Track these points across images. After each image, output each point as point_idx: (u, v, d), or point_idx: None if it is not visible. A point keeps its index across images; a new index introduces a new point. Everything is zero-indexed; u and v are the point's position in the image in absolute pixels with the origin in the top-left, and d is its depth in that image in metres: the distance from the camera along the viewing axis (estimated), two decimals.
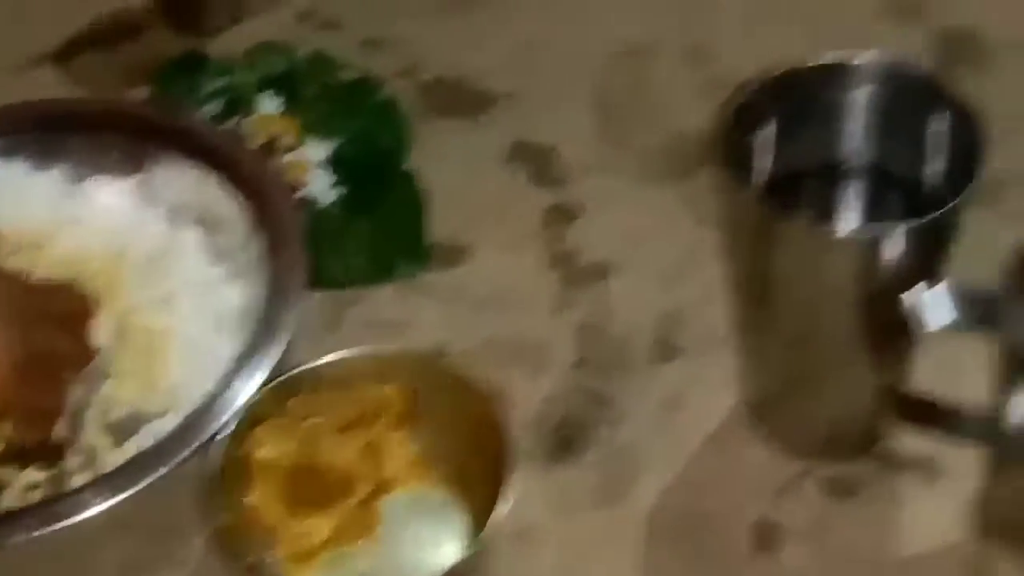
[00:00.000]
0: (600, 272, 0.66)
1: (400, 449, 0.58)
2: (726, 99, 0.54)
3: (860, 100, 0.56)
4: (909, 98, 0.55)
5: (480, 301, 0.66)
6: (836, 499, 0.58)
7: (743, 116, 0.54)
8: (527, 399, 0.62)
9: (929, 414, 0.55)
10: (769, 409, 0.60)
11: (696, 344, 0.63)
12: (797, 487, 0.59)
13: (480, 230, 0.68)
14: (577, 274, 0.67)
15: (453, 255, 0.68)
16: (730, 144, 0.53)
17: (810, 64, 0.55)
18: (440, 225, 0.68)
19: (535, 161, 0.71)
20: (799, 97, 0.55)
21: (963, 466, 0.58)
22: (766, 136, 0.55)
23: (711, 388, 0.61)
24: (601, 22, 0.77)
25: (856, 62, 0.56)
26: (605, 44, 0.76)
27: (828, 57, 0.56)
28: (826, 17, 0.75)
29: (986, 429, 0.53)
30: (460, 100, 0.74)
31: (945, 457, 0.58)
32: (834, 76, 0.55)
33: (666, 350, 0.63)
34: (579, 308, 0.65)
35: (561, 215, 0.69)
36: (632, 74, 0.75)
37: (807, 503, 0.58)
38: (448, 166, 0.71)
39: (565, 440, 0.61)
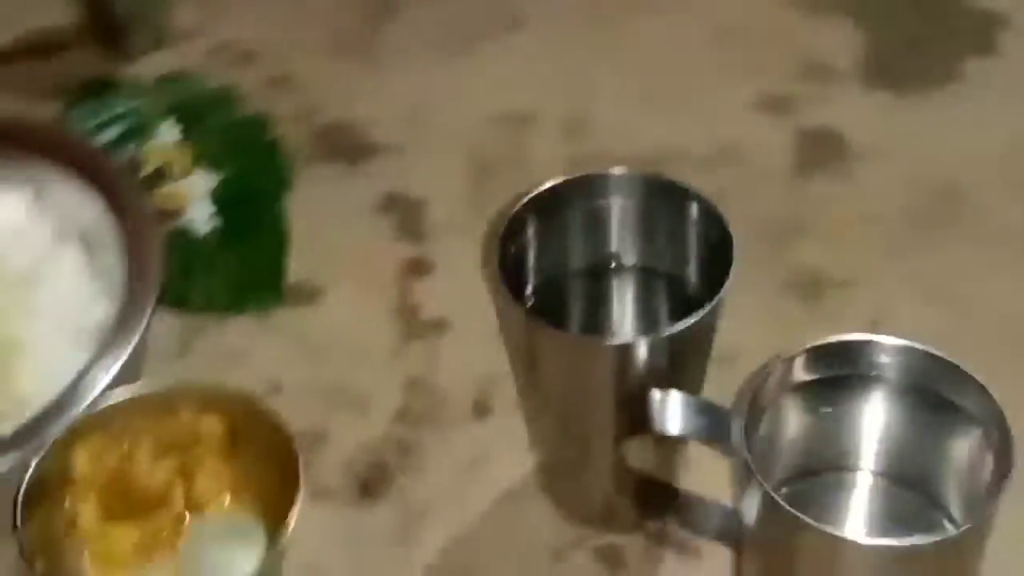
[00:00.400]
0: (437, 328, 0.71)
1: (213, 475, 0.63)
2: (503, 210, 0.59)
3: (625, 207, 0.61)
4: (669, 208, 0.60)
5: (321, 343, 0.71)
6: (605, 568, 0.63)
7: (516, 226, 0.59)
8: (343, 442, 0.67)
9: (672, 506, 0.60)
10: (553, 477, 0.64)
11: (507, 407, 0.67)
12: (572, 554, 0.63)
13: (336, 275, 0.73)
14: (416, 328, 0.71)
15: (306, 296, 0.72)
16: (503, 253, 0.58)
17: (575, 176, 0.61)
18: (300, 266, 0.73)
19: (403, 214, 0.76)
20: (567, 205, 0.61)
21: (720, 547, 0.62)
22: (538, 242, 0.60)
23: (513, 450, 0.66)
24: (489, 86, 0.82)
25: (617, 174, 0.61)
26: (489, 108, 0.80)
27: (591, 170, 0.61)
28: (699, 104, 0.80)
29: (723, 525, 0.57)
30: (345, 147, 0.79)
31: None
32: (598, 187, 0.61)
33: (480, 409, 0.68)
34: (411, 361, 0.70)
35: (414, 269, 0.74)
36: (509, 141, 0.79)
37: (579, 571, 0.63)
38: (320, 210, 0.75)
39: (369, 484, 0.66)
